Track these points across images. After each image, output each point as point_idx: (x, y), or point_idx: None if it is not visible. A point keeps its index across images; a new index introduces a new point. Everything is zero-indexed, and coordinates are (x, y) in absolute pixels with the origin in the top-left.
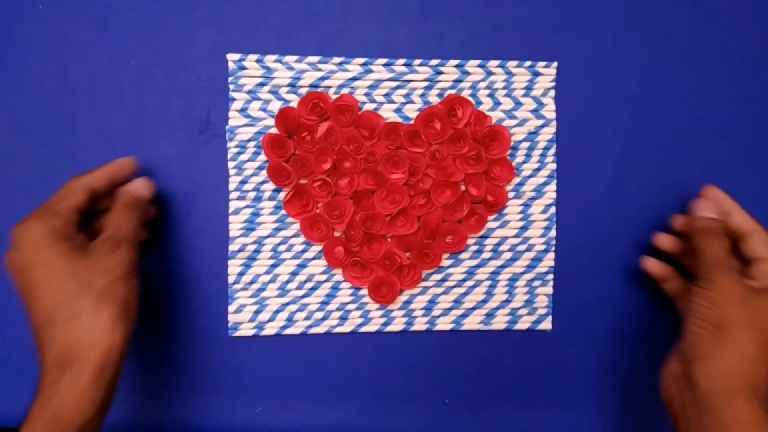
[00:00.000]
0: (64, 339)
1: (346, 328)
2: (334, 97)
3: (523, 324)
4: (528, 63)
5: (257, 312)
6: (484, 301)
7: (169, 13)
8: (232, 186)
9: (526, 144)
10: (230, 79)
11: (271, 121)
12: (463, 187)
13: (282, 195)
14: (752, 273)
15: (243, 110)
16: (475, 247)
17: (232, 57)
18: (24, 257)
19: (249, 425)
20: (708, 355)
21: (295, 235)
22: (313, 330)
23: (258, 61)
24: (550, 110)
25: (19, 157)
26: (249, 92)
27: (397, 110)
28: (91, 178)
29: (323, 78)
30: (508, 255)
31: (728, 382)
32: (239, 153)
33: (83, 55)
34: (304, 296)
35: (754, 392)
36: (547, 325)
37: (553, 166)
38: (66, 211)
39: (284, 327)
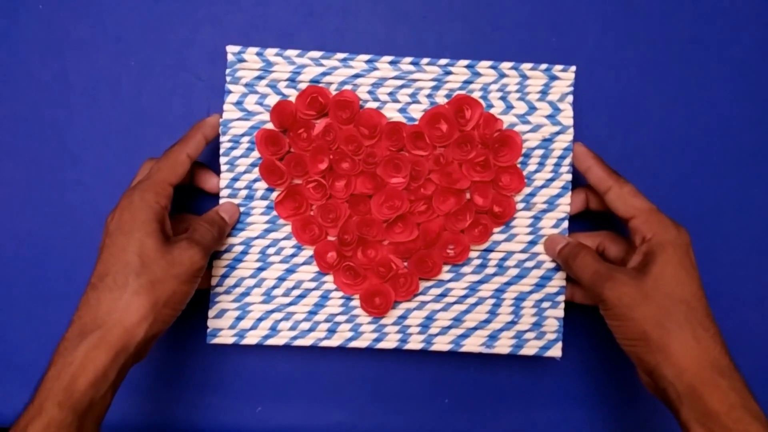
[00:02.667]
0: (98, 306)
1: (334, 341)
2: (334, 93)
3: (529, 349)
4: (544, 66)
5: (239, 318)
6: (487, 321)
7: (169, 13)
8: (223, 183)
9: (539, 152)
10: (227, 71)
11: (266, 116)
12: (467, 196)
13: (275, 195)
14: (634, 241)
15: (238, 103)
16: (478, 261)
17: (231, 49)
18: (122, 219)
19: (249, 425)
20: (655, 366)
21: (286, 238)
22: (298, 342)
23: (258, 54)
24: (567, 116)
25: (19, 157)
26: (246, 85)
27: (402, 110)
28: (191, 148)
29: (325, 74)
30: (514, 271)
31: (686, 379)
32: (232, 148)
33: (83, 55)
34: (290, 304)
35: (717, 370)
36: (556, 352)
37: (569, 177)
38: (168, 190)
39: (267, 337)
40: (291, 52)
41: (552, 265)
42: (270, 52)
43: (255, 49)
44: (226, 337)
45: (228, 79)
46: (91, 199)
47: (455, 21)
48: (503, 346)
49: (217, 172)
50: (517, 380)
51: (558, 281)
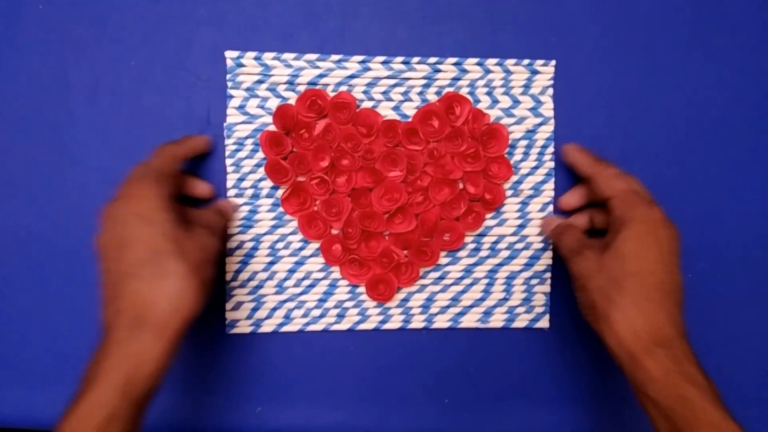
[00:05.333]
0: (148, 296)
1: (344, 325)
2: (332, 94)
3: (520, 322)
4: (526, 61)
5: (254, 309)
6: (482, 299)
7: (169, 13)
8: (229, 183)
9: (524, 142)
10: (228, 76)
11: (269, 119)
12: (460, 185)
13: (280, 192)
14: (610, 220)
15: (241, 107)
16: (472, 245)
17: (230, 54)
18: (139, 208)
19: (249, 425)
20: (601, 335)
21: (293, 233)
22: (311, 327)
23: (256, 58)
24: (548, 108)
25: (19, 157)
26: (247, 89)
27: (395, 108)
28: (182, 150)
29: (321, 75)
30: (506, 253)
31: (625, 347)
32: (237, 150)
33: (83, 55)
34: (301, 294)
35: (655, 340)
36: (544, 323)
37: (551, 164)
38: (172, 179)
39: (281, 324)
40: (288, 56)
41: (540, 245)
42: (268, 56)
43: (253, 54)
44: (243, 327)
45: (229, 84)
46: (91, 198)
47: (454, 21)
48: (497, 320)
49: (223, 175)
50: (517, 380)
51: (545, 260)
